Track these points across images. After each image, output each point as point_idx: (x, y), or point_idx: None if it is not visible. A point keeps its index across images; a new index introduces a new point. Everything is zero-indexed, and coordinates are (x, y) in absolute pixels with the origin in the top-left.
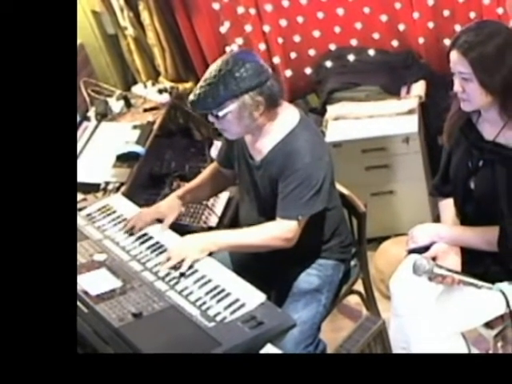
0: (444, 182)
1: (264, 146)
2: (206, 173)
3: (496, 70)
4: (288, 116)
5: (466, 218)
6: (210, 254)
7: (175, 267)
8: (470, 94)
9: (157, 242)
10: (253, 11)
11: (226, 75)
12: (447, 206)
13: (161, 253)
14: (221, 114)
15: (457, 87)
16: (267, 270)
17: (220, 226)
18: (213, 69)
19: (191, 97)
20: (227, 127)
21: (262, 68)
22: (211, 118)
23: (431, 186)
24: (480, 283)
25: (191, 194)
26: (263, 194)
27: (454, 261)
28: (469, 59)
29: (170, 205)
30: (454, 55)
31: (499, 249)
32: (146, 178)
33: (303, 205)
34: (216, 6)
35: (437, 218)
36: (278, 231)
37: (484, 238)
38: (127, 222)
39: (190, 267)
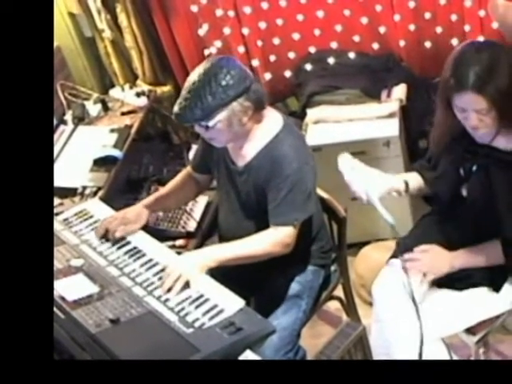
0: (429, 167)
1: (247, 151)
2: (176, 180)
3: (506, 90)
4: (271, 120)
5: (452, 224)
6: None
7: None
8: (487, 123)
9: (134, 247)
10: (231, 13)
11: (212, 84)
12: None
13: (138, 258)
14: (211, 124)
15: (475, 123)
16: (246, 276)
17: (198, 230)
18: (195, 78)
19: (176, 109)
20: (216, 136)
21: (245, 72)
22: (199, 129)
23: (418, 162)
24: (382, 210)
25: (161, 202)
26: (245, 199)
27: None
28: (485, 96)
29: (137, 212)
30: (468, 97)
31: (505, 255)
32: (124, 183)
33: (297, 209)
34: (194, 8)
35: (416, 225)
36: (277, 238)
37: (488, 252)
38: (98, 229)
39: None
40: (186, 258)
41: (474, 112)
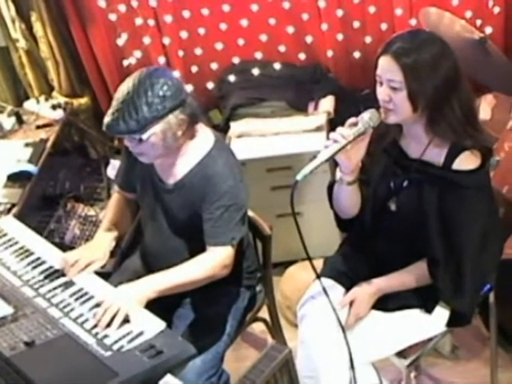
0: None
1: (178, 169)
2: (112, 208)
3: (428, 79)
4: (203, 137)
5: (380, 239)
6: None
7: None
8: (397, 104)
9: (50, 267)
10: (152, 22)
11: (148, 94)
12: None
13: (57, 278)
14: (145, 136)
15: (383, 96)
16: (168, 297)
17: (117, 249)
18: (129, 88)
19: (108, 120)
20: (147, 151)
21: (181, 85)
22: (129, 143)
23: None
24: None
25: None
26: (173, 218)
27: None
28: (401, 65)
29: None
30: (386, 60)
31: (431, 276)
32: (39, 199)
33: (234, 228)
34: (113, 17)
35: (344, 242)
36: (216, 260)
37: (416, 274)
38: (66, 272)
39: (86, 294)
40: (124, 291)
41: (386, 83)
